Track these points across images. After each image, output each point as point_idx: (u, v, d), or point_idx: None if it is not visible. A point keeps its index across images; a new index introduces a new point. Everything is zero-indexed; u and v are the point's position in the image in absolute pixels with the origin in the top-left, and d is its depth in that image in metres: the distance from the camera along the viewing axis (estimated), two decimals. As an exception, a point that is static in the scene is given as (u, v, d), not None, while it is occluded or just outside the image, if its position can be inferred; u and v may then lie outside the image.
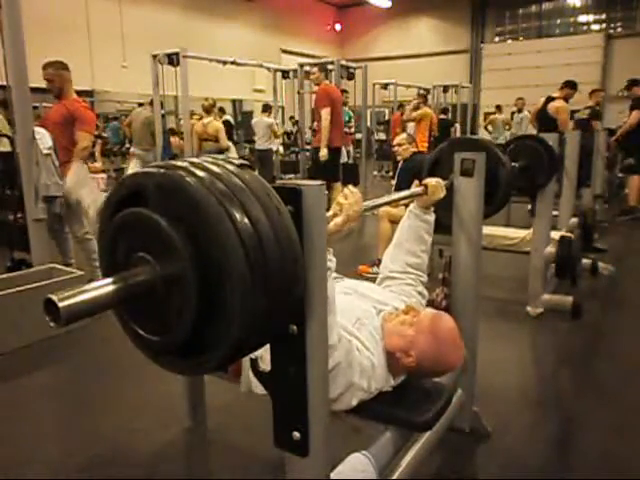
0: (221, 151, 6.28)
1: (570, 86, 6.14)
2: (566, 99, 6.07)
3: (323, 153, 5.43)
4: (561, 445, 2.03)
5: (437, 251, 2.89)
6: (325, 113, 5.33)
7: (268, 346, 1.01)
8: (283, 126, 10.08)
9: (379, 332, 1.45)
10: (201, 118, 6.68)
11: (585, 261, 3.78)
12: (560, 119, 5.88)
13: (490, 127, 10.99)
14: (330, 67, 7.18)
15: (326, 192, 0.99)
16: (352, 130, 8.32)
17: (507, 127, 10.56)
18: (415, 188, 1.83)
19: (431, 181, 1.75)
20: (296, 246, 0.84)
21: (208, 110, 6.59)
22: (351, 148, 9.00)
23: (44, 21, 8.72)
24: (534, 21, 15.03)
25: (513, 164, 2.44)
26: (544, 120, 6.04)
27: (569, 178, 4.08)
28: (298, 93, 7.45)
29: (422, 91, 9.15)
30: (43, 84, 3.47)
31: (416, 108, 7.97)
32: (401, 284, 1.74)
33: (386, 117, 11.41)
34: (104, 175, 8.25)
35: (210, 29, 12.50)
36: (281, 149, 9.00)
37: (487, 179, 1.86)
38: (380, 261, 4.19)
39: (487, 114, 14.52)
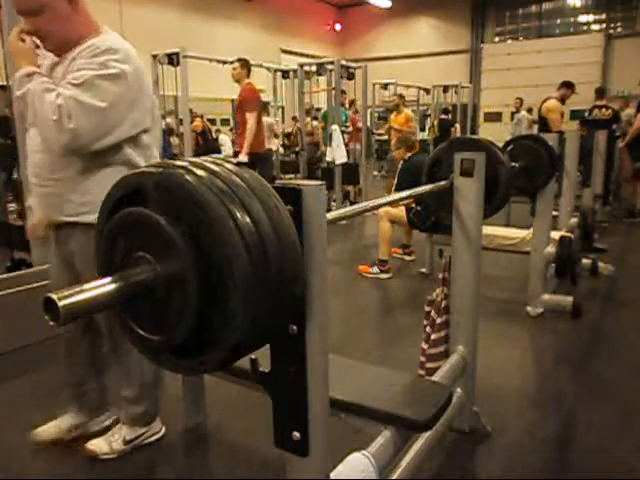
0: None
1: (567, 86, 6.14)
2: (562, 100, 6.07)
3: (243, 159, 5.06)
4: (561, 445, 2.03)
5: (437, 251, 2.88)
6: (253, 117, 4.99)
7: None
8: (283, 124, 10.05)
9: None
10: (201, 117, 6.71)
11: (585, 261, 3.78)
12: (549, 118, 5.91)
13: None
14: (330, 67, 7.17)
15: None
16: (349, 130, 8.30)
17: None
18: (418, 188, 1.83)
19: None
20: (296, 245, 0.84)
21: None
22: (358, 146, 8.98)
23: (44, 21, 8.72)
24: (534, 21, 15.02)
25: (513, 164, 2.44)
26: (541, 120, 6.11)
27: (569, 178, 4.08)
28: (302, 93, 7.44)
29: (404, 91, 9.04)
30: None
31: (396, 107, 7.87)
32: None
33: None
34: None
35: (210, 29, 12.50)
36: (281, 149, 8.99)
37: (487, 179, 1.86)
38: (380, 261, 4.24)
39: (487, 114, 14.55)
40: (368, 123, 8.23)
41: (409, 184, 3.93)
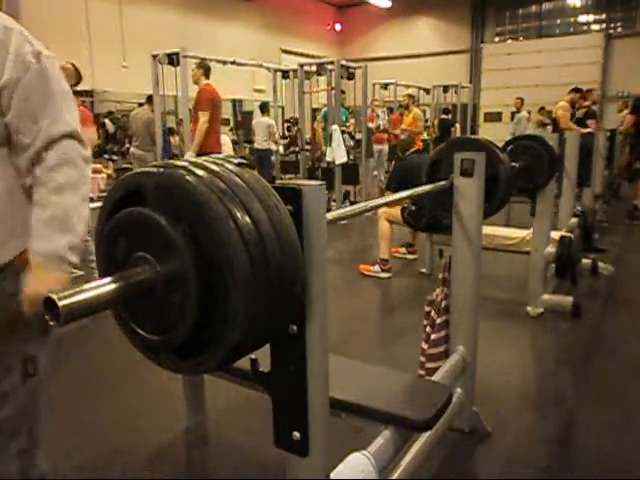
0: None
1: (575, 91, 6.48)
2: (572, 103, 6.30)
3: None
4: (561, 445, 2.03)
5: (437, 251, 2.88)
6: (204, 117, 4.99)
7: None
8: (283, 126, 10.02)
9: None
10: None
11: (585, 261, 3.78)
12: (557, 116, 6.11)
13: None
14: (330, 67, 7.17)
15: None
16: (350, 129, 8.30)
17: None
18: (418, 188, 1.83)
19: None
20: (296, 245, 0.84)
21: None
22: (386, 146, 9.09)
23: (44, 21, 8.71)
24: (534, 21, 15.01)
25: (513, 164, 2.44)
26: (553, 122, 6.35)
27: (569, 178, 4.08)
28: (302, 93, 7.44)
29: (412, 91, 9.17)
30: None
31: (405, 107, 8.01)
32: None
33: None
34: (104, 175, 8.22)
35: (210, 29, 12.49)
36: (281, 149, 8.99)
37: (487, 179, 1.86)
38: (381, 260, 4.25)
39: (487, 114, 14.54)
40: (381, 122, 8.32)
41: (398, 183, 3.99)
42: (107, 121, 10.34)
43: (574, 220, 4.13)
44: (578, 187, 4.55)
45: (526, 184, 3.06)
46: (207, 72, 5.26)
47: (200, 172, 0.78)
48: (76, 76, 3.56)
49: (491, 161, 1.91)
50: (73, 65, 3.56)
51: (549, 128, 8.72)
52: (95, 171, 7.02)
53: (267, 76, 9.39)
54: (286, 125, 9.25)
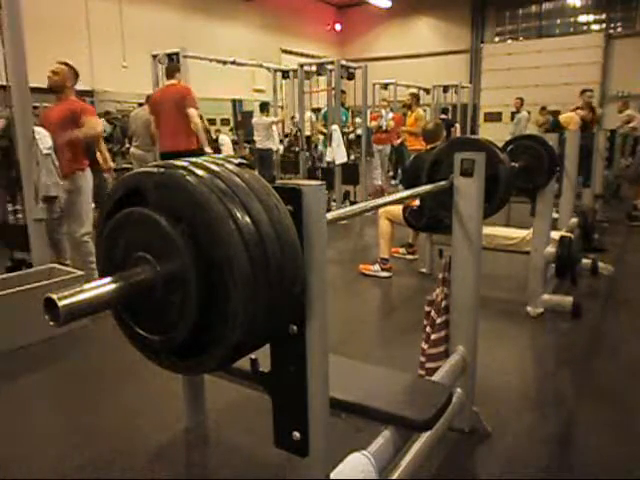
0: None
1: (590, 109, 6.33)
2: (583, 120, 6.21)
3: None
4: (561, 445, 2.03)
5: (437, 251, 2.88)
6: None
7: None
8: (283, 112, 9.98)
9: None
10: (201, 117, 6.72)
11: (585, 261, 3.78)
12: (568, 130, 5.96)
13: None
14: (330, 67, 7.17)
15: None
16: (350, 129, 8.28)
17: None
18: (418, 188, 1.82)
19: None
20: (296, 245, 0.84)
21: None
22: (387, 147, 9.04)
23: (44, 21, 8.72)
24: (534, 21, 15.01)
25: (513, 164, 2.44)
26: (554, 127, 6.20)
27: (569, 178, 4.08)
28: (302, 93, 7.44)
29: (415, 90, 9.07)
30: (43, 84, 3.46)
31: (409, 107, 8.00)
32: None
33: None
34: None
35: (210, 29, 12.49)
36: (281, 149, 8.99)
37: (487, 179, 1.86)
38: (382, 259, 4.24)
39: (487, 114, 14.53)
40: (368, 123, 8.23)
41: (411, 179, 3.91)
42: (103, 121, 10.33)
43: (574, 220, 4.13)
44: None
45: (526, 184, 3.06)
46: (169, 72, 5.28)
47: (200, 172, 0.78)
48: (73, 75, 3.54)
49: (491, 161, 1.91)
50: (66, 64, 3.50)
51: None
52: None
53: (267, 76, 9.38)
54: (286, 140, 9.23)
